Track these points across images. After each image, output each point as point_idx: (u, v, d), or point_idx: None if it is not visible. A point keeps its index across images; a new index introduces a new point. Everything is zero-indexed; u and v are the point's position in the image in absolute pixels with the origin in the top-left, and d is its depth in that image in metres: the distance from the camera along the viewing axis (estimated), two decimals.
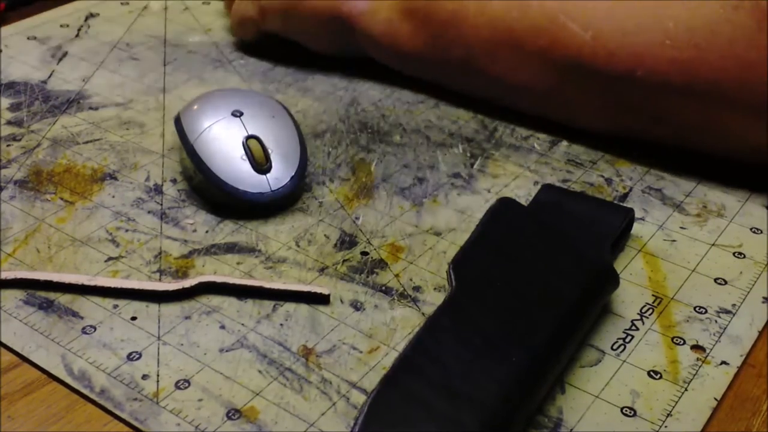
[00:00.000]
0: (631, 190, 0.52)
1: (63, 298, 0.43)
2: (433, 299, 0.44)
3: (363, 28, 0.60)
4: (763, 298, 0.45)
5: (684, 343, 0.42)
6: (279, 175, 0.49)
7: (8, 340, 0.41)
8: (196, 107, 0.52)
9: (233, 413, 0.38)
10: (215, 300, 0.44)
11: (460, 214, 0.50)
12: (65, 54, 0.64)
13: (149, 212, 0.49)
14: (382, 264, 0.46)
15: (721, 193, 0.52)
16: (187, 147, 0.50)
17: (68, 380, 0.39)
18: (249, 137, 0.49)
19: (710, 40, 0.49)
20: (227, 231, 0.48)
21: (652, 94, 0.51)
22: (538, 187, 0.50)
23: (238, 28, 0.66)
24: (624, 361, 0.41)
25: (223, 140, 0.49)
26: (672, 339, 0.42)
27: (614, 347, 0.42)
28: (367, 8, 0.60)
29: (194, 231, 0.48)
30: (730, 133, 0.51)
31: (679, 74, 0.50)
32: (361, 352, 0.41)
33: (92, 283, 0.43)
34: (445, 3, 0.57)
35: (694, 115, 0.51)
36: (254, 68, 0.63)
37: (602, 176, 0.53)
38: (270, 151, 0.49)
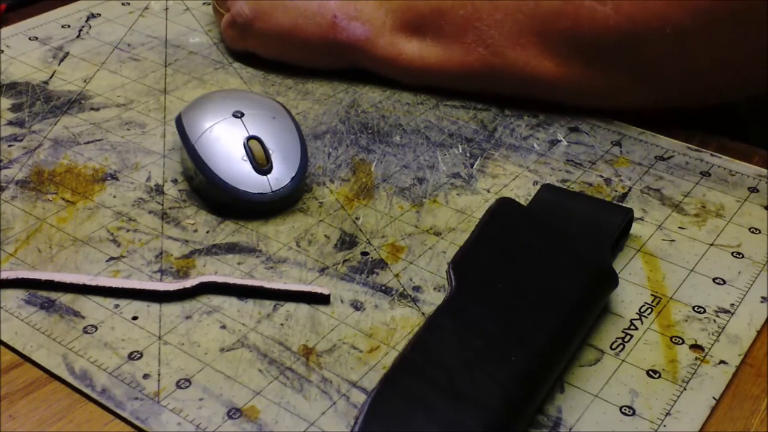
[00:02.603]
0: (630, 190, 0.52)
1: (64, 298, 0.43)
2: (433, 299, 0.44)
3: (368, 56, 0.60)
4: (762, 297, 0.45)
5: (683, 342, 0.42)
6: (279, 175, 0.49)
7: (9, 339, 0.41)
8: (197, 108, 0.52)
9: (234, 412, 0.38)
10: (216, 300, 0.44)
11: (459, 214, 0.50)
12: (66, 54, 0.64)
13: (150, 212, 0.49)
14: (382, 264, 0.46)
15: (720, 193, 0.52)
16: (188, 147, 0.50)
17: (69, 379, 0.39)
18: (250, 138, 0.49)
19: None
20: (228, 231, 0.48)
21: (683, 51, 0.52)
22: (538, 187, 0.50)
23: (229, 44, 0.65)
24: (623, 360, 0.41)
25: (224, 141, 0.49)
26: (671, 338, 0.42)
27: (613, 347, 0.42)
28: (364, 35, 0.59)
29: (195, 231, 0.48)
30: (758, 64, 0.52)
31: (708, 22, 0.51)
32: (361, 351, 0.41)
33: (93, 282, 0.44)
34: (452, 10, 0.57)
35: (725, 60, 0.53)
36: (255, 71, 0.63)
37: (601, 176, 0.53)
38: (271, 151, 0.49)
